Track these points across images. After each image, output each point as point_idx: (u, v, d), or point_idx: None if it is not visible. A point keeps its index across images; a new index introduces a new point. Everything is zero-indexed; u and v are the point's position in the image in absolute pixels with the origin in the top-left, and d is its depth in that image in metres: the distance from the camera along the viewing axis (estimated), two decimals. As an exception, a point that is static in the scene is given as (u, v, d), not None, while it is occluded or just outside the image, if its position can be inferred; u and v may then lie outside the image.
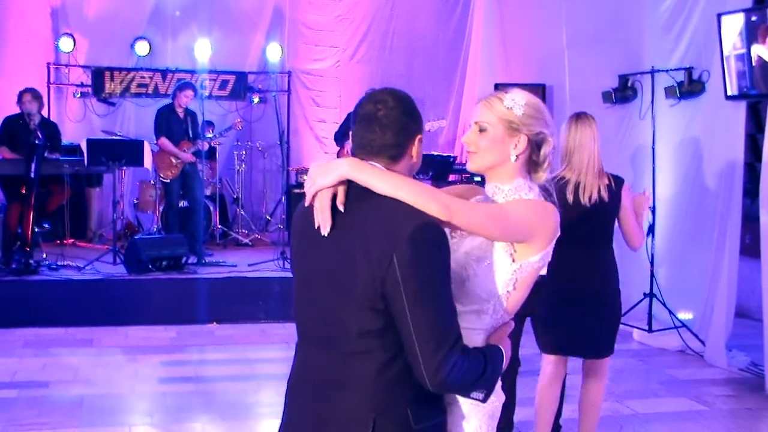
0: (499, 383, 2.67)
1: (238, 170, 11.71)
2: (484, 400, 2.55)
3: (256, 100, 11.88)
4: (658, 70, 8.28)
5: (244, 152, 11.81)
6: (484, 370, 2.45)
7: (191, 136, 10.04)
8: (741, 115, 7.28)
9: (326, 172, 2.46)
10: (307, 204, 2.51)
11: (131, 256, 9.05)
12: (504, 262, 2.59)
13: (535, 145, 2.69)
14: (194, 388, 6.74)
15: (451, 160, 10.41)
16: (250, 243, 11.28)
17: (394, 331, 2.39)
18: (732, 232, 7.43)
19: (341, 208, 2.44)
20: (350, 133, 2.57)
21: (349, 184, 2.45)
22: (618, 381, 7.07)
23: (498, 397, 2.68)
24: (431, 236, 2.36)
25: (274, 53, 12.14)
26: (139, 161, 9.99)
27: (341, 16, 12.45)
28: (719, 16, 6.91)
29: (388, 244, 2.34)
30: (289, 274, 8.86)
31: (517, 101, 2.67)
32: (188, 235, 9.79)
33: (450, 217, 2.40)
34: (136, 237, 9.67)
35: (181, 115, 10.05)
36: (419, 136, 2.54)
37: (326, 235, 2.45)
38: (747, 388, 6.95)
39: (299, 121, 12.58)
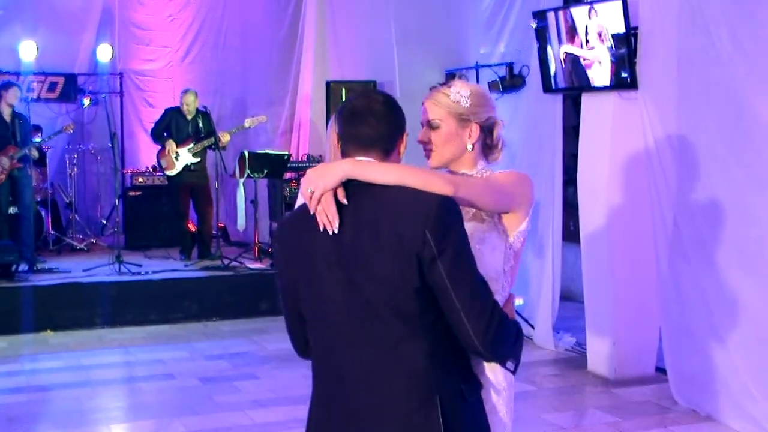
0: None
1: (71, 174, 11.42)
2: (514, 371, 2.71)
3: (87, 102, 11.63)
4: (482, 66, 8.61)
5: (76, 155, 11.54)
6: (517, 335, 2.58)
7: (18, 140, 9.74)
8: (558, 107, 7.67)
9: (326, 174, 2.51)
10: (313, 209, 2.51)
11: (-44, 266, 8.77)
12: (500, 240, 2.80)
13: (487, 130, 2.90)
14: (26, 398, 6.63)
15: (285, 158, 10.45)
16: (85, 248, 11.05)
17: (436, 311, 2.46)
18: (555, 220, 7.81)
19: (345, 201, 2.49)
20: (337, 131, 2.63)
21: (346, 184, 2.52)
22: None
23: (510, 384, 2.89)
24: (454, 208, 2.47)
25: (104, 54, 11.90)
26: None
27: (172, 15, 12.33)
28: (534, 13, 7.25)
29: (417, 222, 2.40)
30: (125, 278, 8.71)
31: (463, 93, 2.84)
32: (19, 242, 9.53)
33: (456, 191, 2.54)
34: (-39, 246, 9.35)
35: (8, 118, 9.70)
36: (406, 133, 2.65)
37: (334, 233, 2.48)
38: (571, 366, 7.34)
39: (133, 123, 12.39)
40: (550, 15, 7.11)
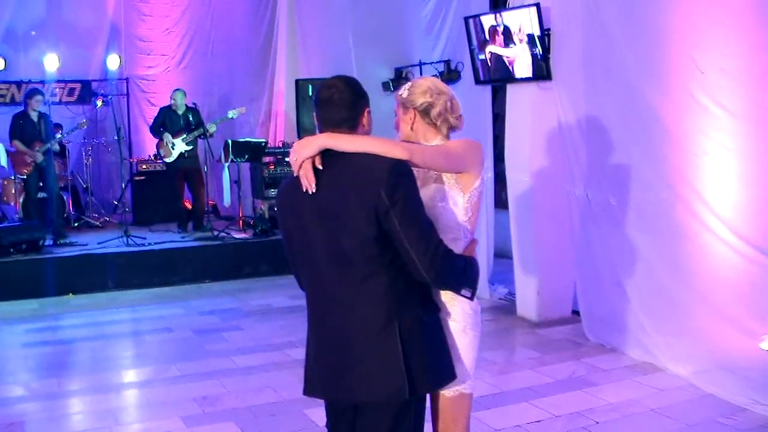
0: (479, 313, 2.92)
1: (87, 164, 11.24)
2: (471, 297, 2.77)
3: (99, 103, 11.39)
4: (425, 63, 8.51)
5: (90, 148, 11.34)
6: (465, 267, 2.69)
7: (43, 136, 9.57)
8: (487, 97, 7.59)
9: (308, 145, 2.64)
10: (296, 173, 2.66)
11: (-6, 243, 8.58)
12: (459, 196, 2.86)
13: (424, 112, 2.90)
14: (53, 350, 6.52)
15: (263, 144, 10.36)
16: (100, 225, 10.86)
17: (392, 252, 2.57)
18: (489, 190, 7.74)
19: (320, 167, 2.62)
20: (314, 114, 2.74)
21: (324, 153, 2.63)
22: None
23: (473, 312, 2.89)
24: (404, 170, 2.58)
25: (113, 62, 11.69)
26: (-4, 161, 9.52)
27: (169, 29, 12.13)
28: (465, 19, 7.14)
29: (374, 183, 2.52)
30: (132, 249, 8.54)
31: (407, 86, 2.96)
32: (47, 221, 9.39)
33: (411, 157, 2.63)
34: (-3, 225, 9.15)
35: (35, 118, 9.55)
36: (367, 109, 2.74)
37: (313, 192, 2.61)
38: (504, 312, 7.32)
39: (138, 119, 12.19)
40: (470, 21, 7.04)
